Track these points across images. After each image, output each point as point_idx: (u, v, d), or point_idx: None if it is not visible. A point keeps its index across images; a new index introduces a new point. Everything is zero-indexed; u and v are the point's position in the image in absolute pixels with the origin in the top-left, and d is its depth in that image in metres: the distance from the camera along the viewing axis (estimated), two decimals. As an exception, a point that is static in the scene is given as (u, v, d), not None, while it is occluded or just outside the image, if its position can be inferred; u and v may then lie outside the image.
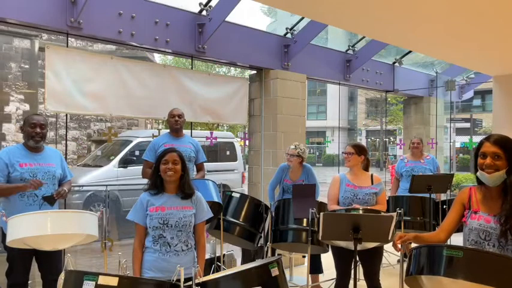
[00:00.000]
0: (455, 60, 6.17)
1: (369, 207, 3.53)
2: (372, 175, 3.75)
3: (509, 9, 3.61)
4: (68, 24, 4.11)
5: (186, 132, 4.60)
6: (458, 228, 2.36)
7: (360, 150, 3.74)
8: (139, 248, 2.71)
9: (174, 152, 2.79)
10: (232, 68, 17.62)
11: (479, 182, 2.25)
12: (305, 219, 3.99)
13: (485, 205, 2.22)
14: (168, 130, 4.49)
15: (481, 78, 8.68)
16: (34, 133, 3.32)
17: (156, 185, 2.77)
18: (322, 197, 4.58)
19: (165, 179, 2.75)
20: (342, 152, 3.82)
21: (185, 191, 2.77)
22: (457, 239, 2.41)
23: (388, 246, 4.81)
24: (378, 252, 3.60)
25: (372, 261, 3.59)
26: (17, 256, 3.25)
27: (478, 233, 2.18)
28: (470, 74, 9.15)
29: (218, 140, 10.10)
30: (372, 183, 3.69)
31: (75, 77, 4.30)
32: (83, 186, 9.05)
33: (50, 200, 3.30)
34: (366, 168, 3.81)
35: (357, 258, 3.15)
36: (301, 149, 4.67)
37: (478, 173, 2.22)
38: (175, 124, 4.29)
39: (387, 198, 5.09)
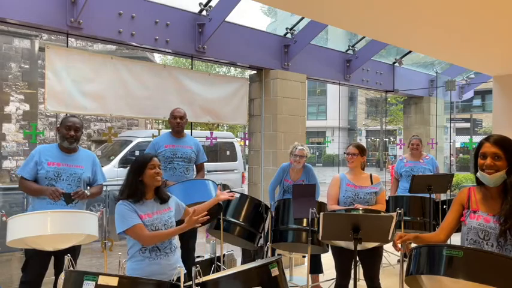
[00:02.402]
0: (455, 60, 6.16)
1: (369, 207, 3.55)
2: (370, 175, 3.77)
3: (509, 9, 3.61)
4: (68, 24, 4.10)
5: (186, 132, 4.60)
6: (458, 228, 2.37)
7: (362, 151, 3.79)
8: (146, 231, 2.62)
9: (155, 156, 2.78)
10: (232, 68, 17.63)
11: (479, 182, 2.25)
12: (305, 219, 3.99)
13: (484, 205, 2.22)
14: (169, 130, 4.49)
15: (481, 78, 8.67)
16: (69, 135, 3.38)
17: (137, 192, 2.66)
18: (322, 197, 4.58)
19: (151, 184, 2.70)
20: (344, 153, 3.81)
21: (162, 196, 2.77)
22: (457, 239, 2.41)
23: (388, 246, 4.81)
24: (378, 252, 3.61)
25: (372, 261, 3.59)
26: (34, 253, 3.25)
27: (477, 233, 2.18)
28: (470, 74, 9.15)
29: (218, 140, 10.10)
30: (372, 183, 3.71)
31: (75, 77, 4.30)
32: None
33: (66, 198, 3.31)
34: (363, 168, 3.85)
35: (357, 258, 3.16)
36: (307, 150, 4.69)
37: (478, 174, 2.22)
38: (177, 126, 4.30)
39: (387, 198, 5.11)
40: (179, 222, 2.84)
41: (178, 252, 2.83)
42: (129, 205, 2.64)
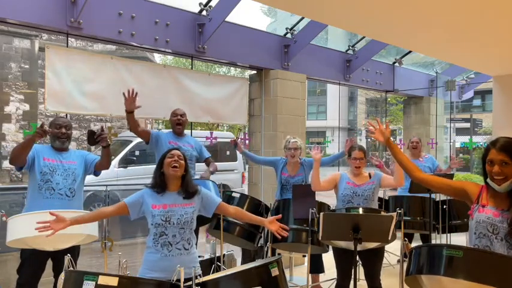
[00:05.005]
0: (455, 60, 6.16)
1: (369, 207, 3.56)
2: (369, 173, 3.82)
3: (509, 9, 3.61)
4: (68, 24, 4.10)
5: (186, 132, 4.61)
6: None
7: (365, 153, 3.80)
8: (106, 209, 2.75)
9: (178, 149, 2.83)
10: (232, 68, 17.62)
11: (487, 184, 2.27)
12: (305, 219, 3.99)
13: (493, 200, 2.24)
14: (168, 130, 4.50)
15: (481, 78, 8.67)
16: (60, 133, 3.43)
17: (159, 183, 2.74)
18: (322, 197, 4.57)
19: (169, 174, 2.71)
20: (353, 158, 3.79)
21: (187, 189, 2.75)
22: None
23: (388, 247, 4.81)
24: (378, 253, 3.62)
25: (373, 262, 3.60)
26: (29, 255, 3.24)
27: (486, 226, 2.19)
28: (470, 74, 9.14)
29: (218, 140, 10.09)
30: (370, 178, 3.77)
31: (75, 77, 4.30)
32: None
33: (89, 137, 3.40)
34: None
35: (357, 258, 3.16)
36: (300, 142, 4.69)
37: (488, 181, 2.24)
38: (178, 122, 4.31)
39: (387, 198, 5.12)
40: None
41: (195, 254, 2.76)
42: (146, 192, 2.73)
